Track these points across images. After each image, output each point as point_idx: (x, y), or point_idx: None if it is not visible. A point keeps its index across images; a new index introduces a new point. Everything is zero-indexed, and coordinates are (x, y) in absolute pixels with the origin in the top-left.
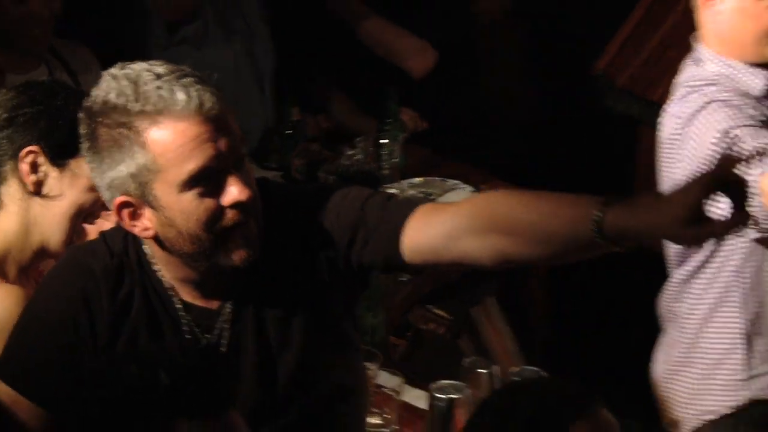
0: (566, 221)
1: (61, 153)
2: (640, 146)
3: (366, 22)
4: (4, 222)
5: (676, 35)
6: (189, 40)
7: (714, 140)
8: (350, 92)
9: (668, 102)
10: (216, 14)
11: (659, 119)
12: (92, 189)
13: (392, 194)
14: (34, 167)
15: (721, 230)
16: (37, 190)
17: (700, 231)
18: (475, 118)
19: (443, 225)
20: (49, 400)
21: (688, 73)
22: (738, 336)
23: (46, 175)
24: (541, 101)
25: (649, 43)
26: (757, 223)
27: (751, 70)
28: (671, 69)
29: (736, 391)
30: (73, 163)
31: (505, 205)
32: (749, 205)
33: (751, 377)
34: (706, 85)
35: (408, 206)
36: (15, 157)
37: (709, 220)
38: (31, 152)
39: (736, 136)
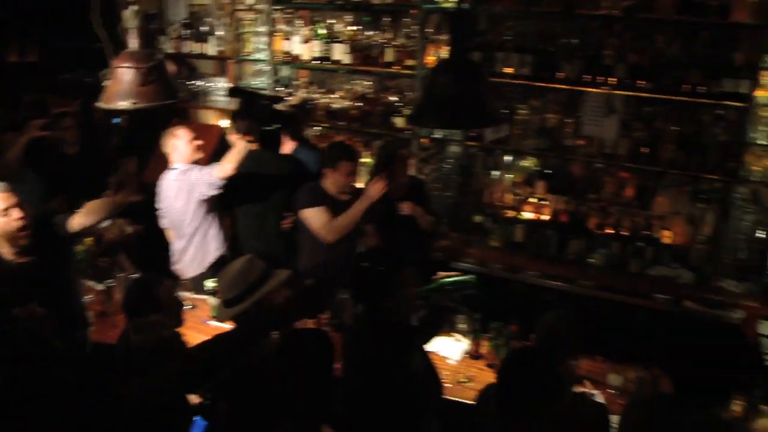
0: (109, 200)
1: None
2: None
3: None
4: None
5: (161, 153)
6: None
7: (200, 174)
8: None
9: (170, 179)
10: None
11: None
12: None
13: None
14: None
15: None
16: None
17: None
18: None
19: (76, 216)
20: None
21: (173, 172)
22: (215, 250)
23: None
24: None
25: (154, 156)
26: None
27: (191, 164)
28: (159, 169)
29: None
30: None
31: (90, 205)
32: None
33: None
34: (184, 170)
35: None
36: None
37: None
38: None
39: (206, 169)
